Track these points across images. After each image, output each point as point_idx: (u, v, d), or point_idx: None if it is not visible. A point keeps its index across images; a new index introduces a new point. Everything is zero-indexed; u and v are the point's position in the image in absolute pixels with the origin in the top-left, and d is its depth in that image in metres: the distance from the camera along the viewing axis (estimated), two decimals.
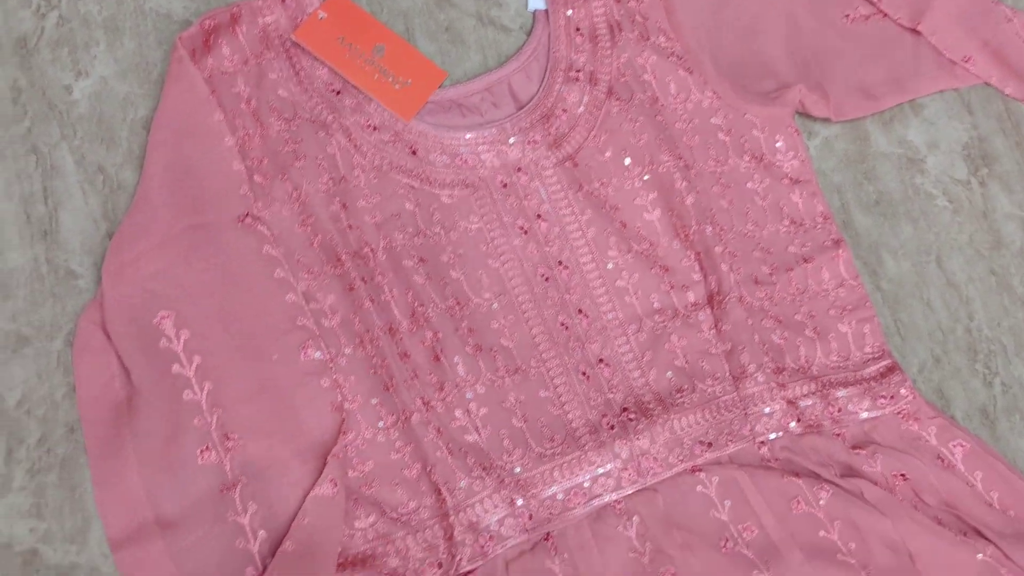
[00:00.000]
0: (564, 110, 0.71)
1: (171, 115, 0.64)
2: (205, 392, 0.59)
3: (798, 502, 0.62)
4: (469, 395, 0.63)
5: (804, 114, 0.77)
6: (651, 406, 0.64)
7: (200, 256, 0.62)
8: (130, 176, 0.65)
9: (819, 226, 0.72)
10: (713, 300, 0.68)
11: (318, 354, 0.62)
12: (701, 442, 0.64)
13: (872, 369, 0.68)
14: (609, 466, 0.62)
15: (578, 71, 0.71)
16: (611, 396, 0.64)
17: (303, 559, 0.54)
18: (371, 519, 0.59)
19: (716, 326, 0.67)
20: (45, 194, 0.63)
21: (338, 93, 0.69)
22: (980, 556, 0.62)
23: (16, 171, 0.63)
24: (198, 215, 0.63)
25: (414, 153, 0.68)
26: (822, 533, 0.62)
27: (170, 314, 0.60)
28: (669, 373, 0.66)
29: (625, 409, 0.64)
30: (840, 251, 0.71)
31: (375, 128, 0.68)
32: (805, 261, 0.71)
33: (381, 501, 0.59)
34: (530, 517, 0.60)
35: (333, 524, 0.56)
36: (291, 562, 0.54)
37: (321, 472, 0.58)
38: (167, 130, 0.64)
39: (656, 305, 0.68)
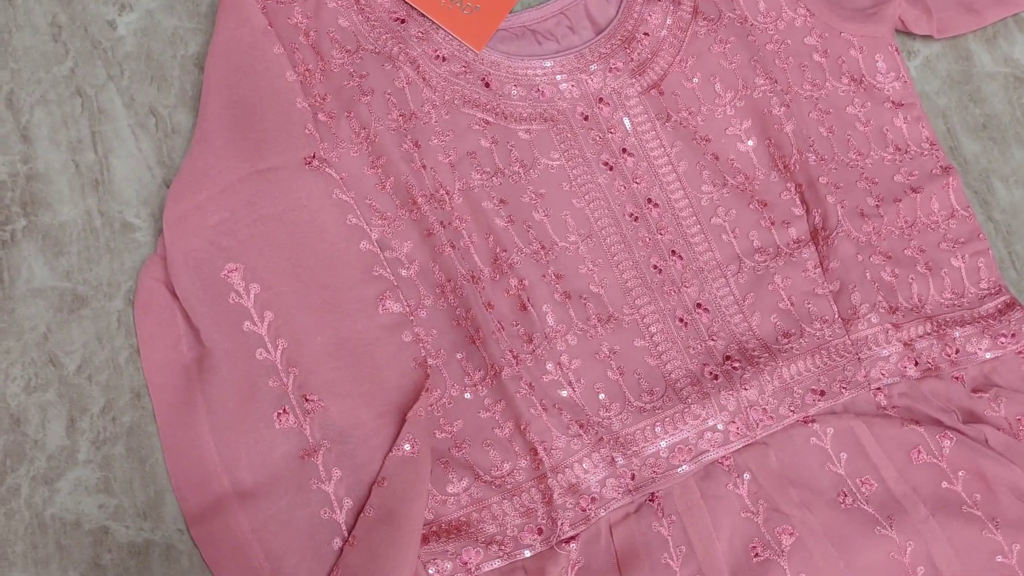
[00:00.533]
0: (646, 33, 0.61)
1: (226, 50, 0.54)
2: (279, 351, 0.51)
3: (919, 452, 0.53)
4: (561, 347, 0.53)
5: (903, 32, 0.66)
6: (756, 353, 0.55)
7: (267, 203, 0.52)
8: (184, 118, 0.55)
9: (926, 153, 0.62)
10: (818, 236, 0.58)
11: (397, 306, 0.52)
12: (813, 390, 0.54)
13: (990, 306, 0.59)
14: (715, 420, 0.53)
15: None
16: (712, 343, 0.55)
17: (386, 525, 0.46)
18: (464, 483, 0.50)
19: (822, 264, 0.58)
20: (94, 140, 0.53)
21: (402, 21, 0.59)
22: None
23: (61, 116, 0.53)
24: (262, 158, 0.53)
25: (487, 85, 0.58)
26: (945, 484, 0.53)
27: (238, 267, 0.51)
28: (774, 317, 0.56)
29: (728, 357, 0.55)
30: (950, 179, 0.61)
31: (444, 59, 0.58)
32: (913, 191, 0.60)
33: (473, 464, 0.51)
34: (633, 477, 0.52)
35: (416, 486, 0.48)
36: (374, 529, 0.46)
37: None
38: (223, 66, 0.54)
39: (756, 243, 0.58)
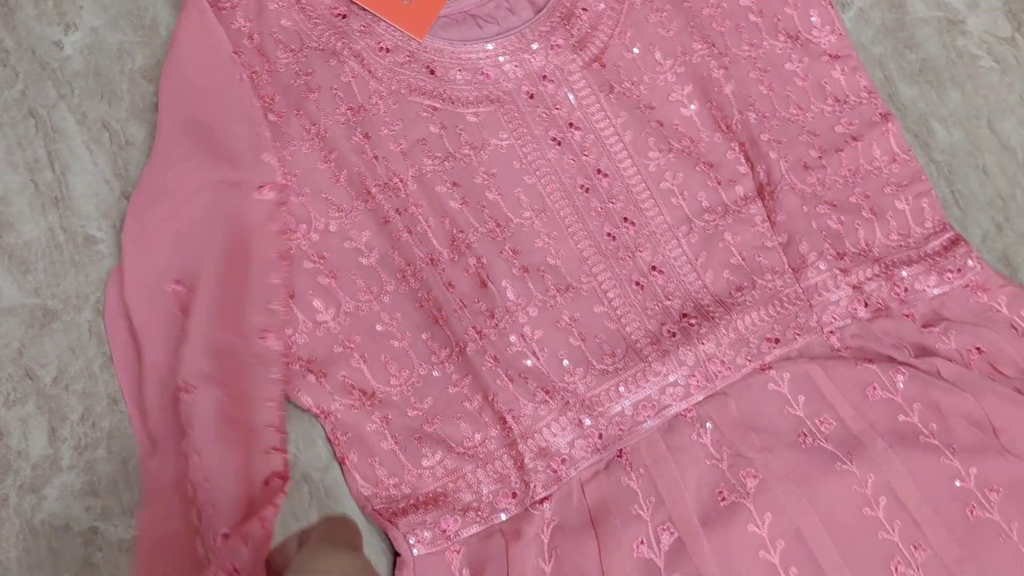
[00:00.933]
0: (584, 9, 0.61)
1: (182, 68, 0.54)
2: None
3: (874, 388, 0.55)
4: (523, 319, 0.54)
5: None
6: (711, 309, 0.56)
7: (217, 221, 0.52)
8: (137, 130, 0.56)
9: (864, 102, 0.63)
10: (763, 191, 0.59)
11: (277, 345, 0.51)
12: (768, 339, 0.56)
13: (935, 244, 0.60)
14: (675, 375, 0.54)
15: None
16: (668, 303, 0.56)
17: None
18: (437, 456, 0.52)
19: (770, 218, 0.59)
20: (50, 159, 0.54)
21: (344, 17, 0.59)
22: None
23: (16, 138, 0.54)
24: (219, 171, 0.53)
25: (432, 73, 0.59)
26: (902, 417, 0.54)
27: (182, 288, 0.51)
28: (726, 272, 0.57)
29: (685, 315, 0.56)
30: (889, 125, 0.62)
31: (388, 50, 0.59)
32: (854, 139, 0.62)
33: (446, 437, 0.52)
34: (600, 436, 0.53)
35: None
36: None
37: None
38: (180, 84, 0.54)
39: (705, 204, 0.59)
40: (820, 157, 0.61)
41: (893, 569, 0.51)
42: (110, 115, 0.55)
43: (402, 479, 0.51)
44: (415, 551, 0.49)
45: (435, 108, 0.58)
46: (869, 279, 0.58)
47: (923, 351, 0.57)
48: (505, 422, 0.52)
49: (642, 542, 0.50)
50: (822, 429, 0.54)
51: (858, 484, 0.52)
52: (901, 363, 0.56)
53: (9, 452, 0.47)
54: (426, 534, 0.50)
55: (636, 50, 0.61)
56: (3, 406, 0.48)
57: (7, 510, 0.46)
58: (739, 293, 0.57)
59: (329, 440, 0.51)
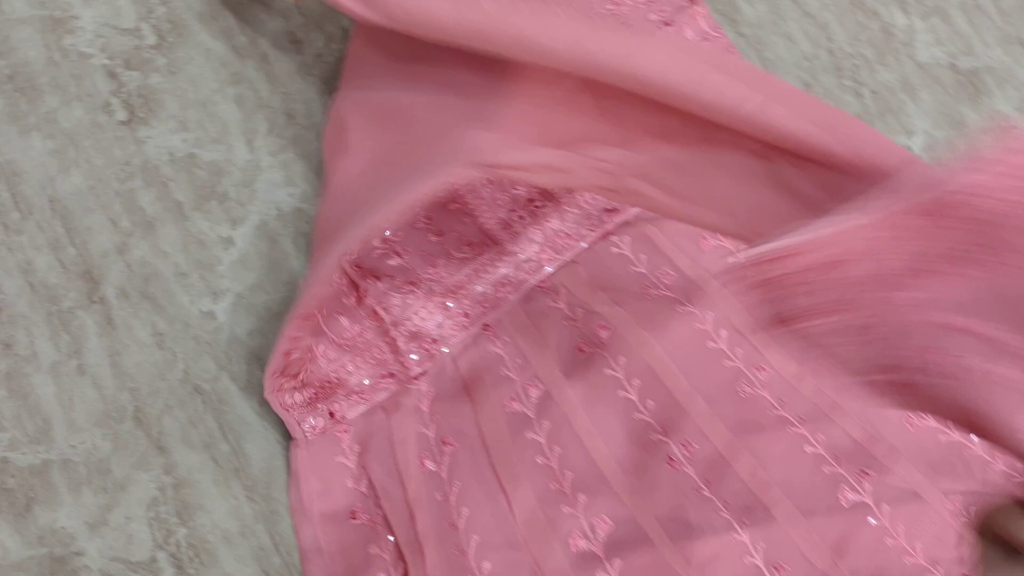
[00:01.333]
0: None
1: None
2: None
3: (704, 239, 0.61)
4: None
5: None
6: (555, 191, 0.61)
7: None
8: None
9: None
10: None
11: None
12: (607, 209, 0.62)
13: None
14: (527, 253, 0.60)
15: None
16: (516, 192, 0.62)
17: None
18: (321, 348, 0.56)
19: None
20: None
21: None
22: None
23: None
24: None
25: None
26: (731, 259, 0.60)
27: None
28: None
29: (531, 200, 0.62)
30: (696, 8, 0.68)
31: None
32: (667, 25, 0.67)
33: (329, 330, 0.57)
34: (466, 315, 0.58)
35: None
36: None
37: None
38: None
39: None
40: None
41: (739, 391, 0.58)
42: None
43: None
44: (308, 436, 0.54)
45: None
46: None
47: None
48: (376, 314, 0.57)
49: (513, 398, 0.56)
50: (664, 281, 0.60)
51: (699, 322, 0.59)
52: None
53: None
54: (320, 421, 0.55)
55: None
56: None
57: None
58: None
59: None
